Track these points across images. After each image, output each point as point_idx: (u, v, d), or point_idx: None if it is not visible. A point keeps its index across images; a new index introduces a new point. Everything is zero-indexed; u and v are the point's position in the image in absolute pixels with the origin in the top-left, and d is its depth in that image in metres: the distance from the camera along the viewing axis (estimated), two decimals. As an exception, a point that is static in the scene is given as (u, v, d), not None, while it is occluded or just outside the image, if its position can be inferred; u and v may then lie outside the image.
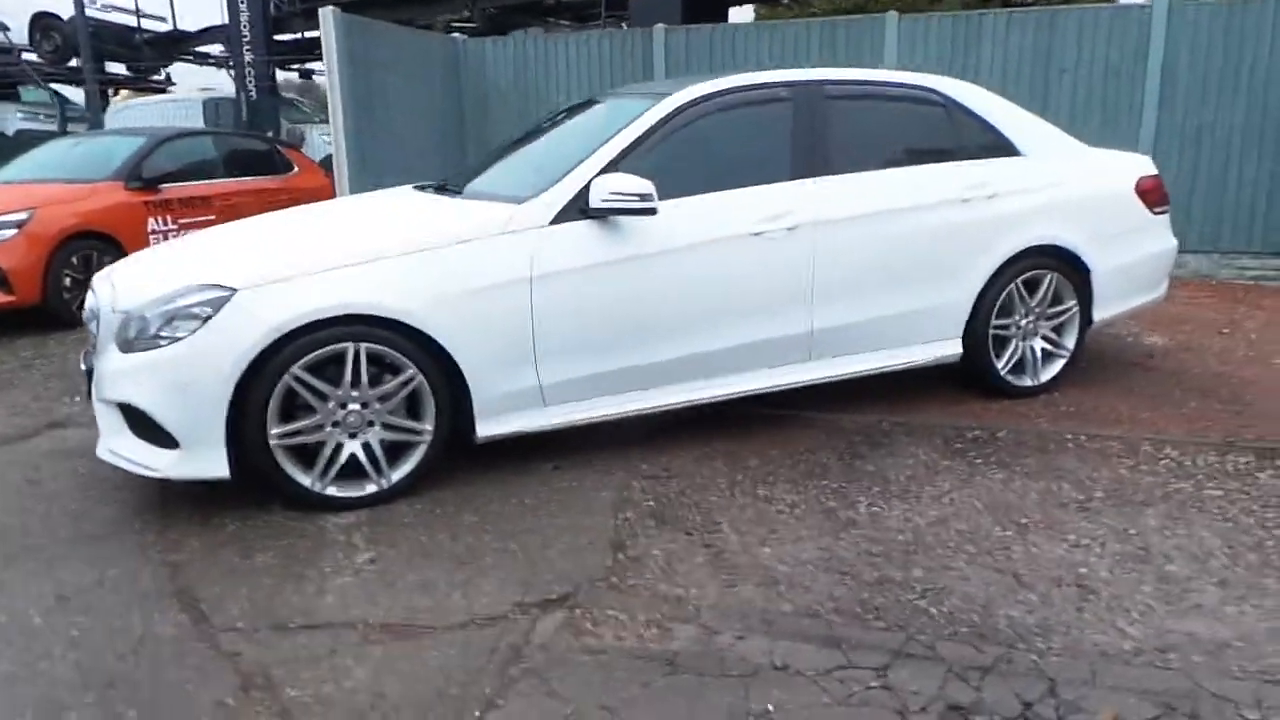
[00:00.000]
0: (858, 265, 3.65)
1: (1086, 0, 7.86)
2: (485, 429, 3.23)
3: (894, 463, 3.42)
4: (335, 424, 3.02)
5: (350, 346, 2.96)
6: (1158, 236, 4.37)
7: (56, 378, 4.87)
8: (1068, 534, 2.81)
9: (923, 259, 3.76)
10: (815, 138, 3.65)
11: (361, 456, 3.06)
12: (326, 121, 8.37)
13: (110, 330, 3.04)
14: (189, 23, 15.50)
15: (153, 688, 2.15)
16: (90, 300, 3.29)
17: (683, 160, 3.52)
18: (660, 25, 8.27)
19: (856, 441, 3.64)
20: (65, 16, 15.26)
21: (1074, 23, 7.23)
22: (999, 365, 4.04)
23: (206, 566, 2.74)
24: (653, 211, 3.19)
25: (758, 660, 2.21)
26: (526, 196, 3.27)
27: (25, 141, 11.77)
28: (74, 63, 15.78)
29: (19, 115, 16.28)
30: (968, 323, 3.92)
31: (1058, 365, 4.18)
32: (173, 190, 7.47)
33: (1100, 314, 4.21)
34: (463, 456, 3.37)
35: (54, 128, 15.10)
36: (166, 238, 7.12)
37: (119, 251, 6.40)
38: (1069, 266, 4.06)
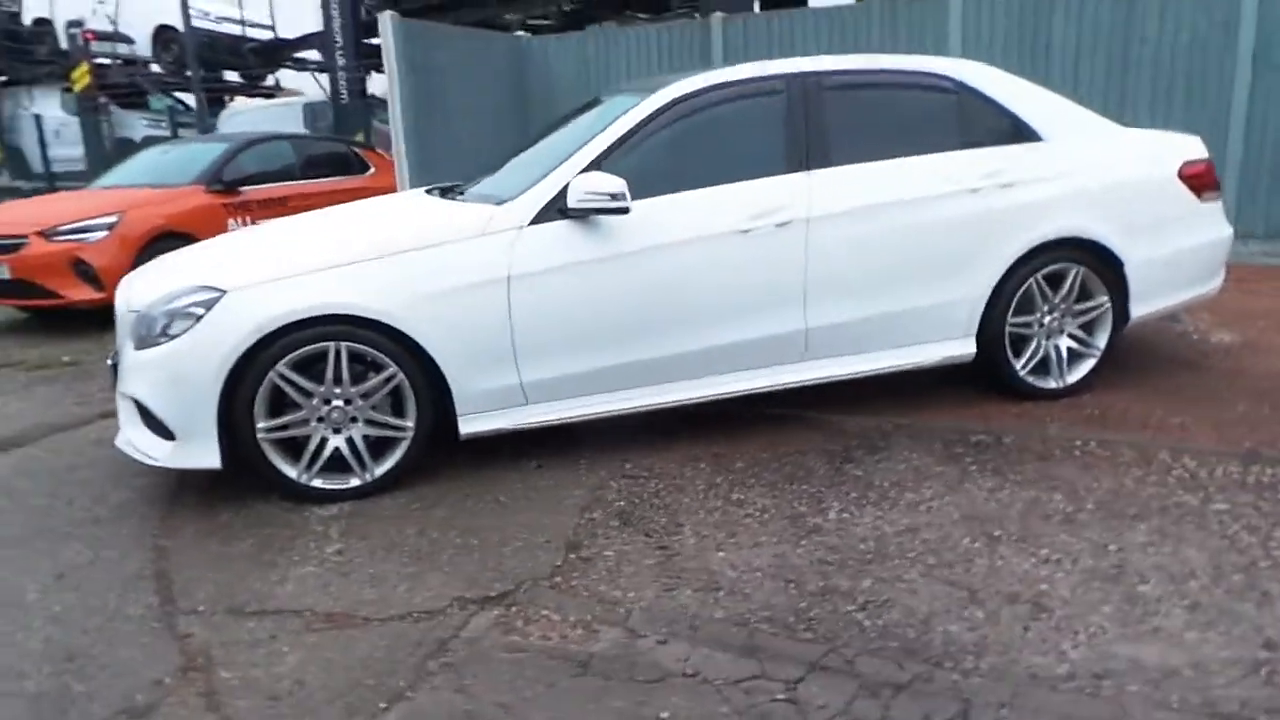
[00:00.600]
0: (855, 261, 3.53)
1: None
2: (467, 426, 3.31)
3: (884, 467, 3.31)
4: (320, 419, 3.16)
5: (332, 345, 3.09)
6: (1207, 225, 4.04)
7: (122, 370, 5.25)
8: (1041, 548, 2.66)
9: (928, 253, 3.61)
10: (811, 131, 3.55)
11: (345, 451, 3.19)
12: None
13: (127, 328, 3.27)
14: (290, 31, 16.30)
15: (104, 664, 2.31)
16: (117, 300, 3.55)
17: (670, 157, 3.49)
18: (718, 14, 8.19)
19: (853, 445, 3.54)
20: (183, 29, 16.34)
21: (1157, -11, 6.74)
22: (1018, 365, 3.83)
23: (190, 551, 2.92)
24: (625, 210, 3.18)
25: (670, 666, 2.20)
26: (509, 198, 3.33)
27: (140, 147, 12.71)
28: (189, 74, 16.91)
29: (144, 122, 17.56)
30: (982, 320, 3.74)
31: (1087, 366, 3.93)
32: (251, 192, 7.91)
33: (1139, 310, 3.94)
34: (457, 453, 3.46)
35: (192, 133, 16.26)
36: (241, 237, 7.52)
37: (197, 251, 6.82)
38: (1098, 260, 3.80)
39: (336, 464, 3.21)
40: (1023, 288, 3.74)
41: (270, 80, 19.47)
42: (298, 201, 8.36)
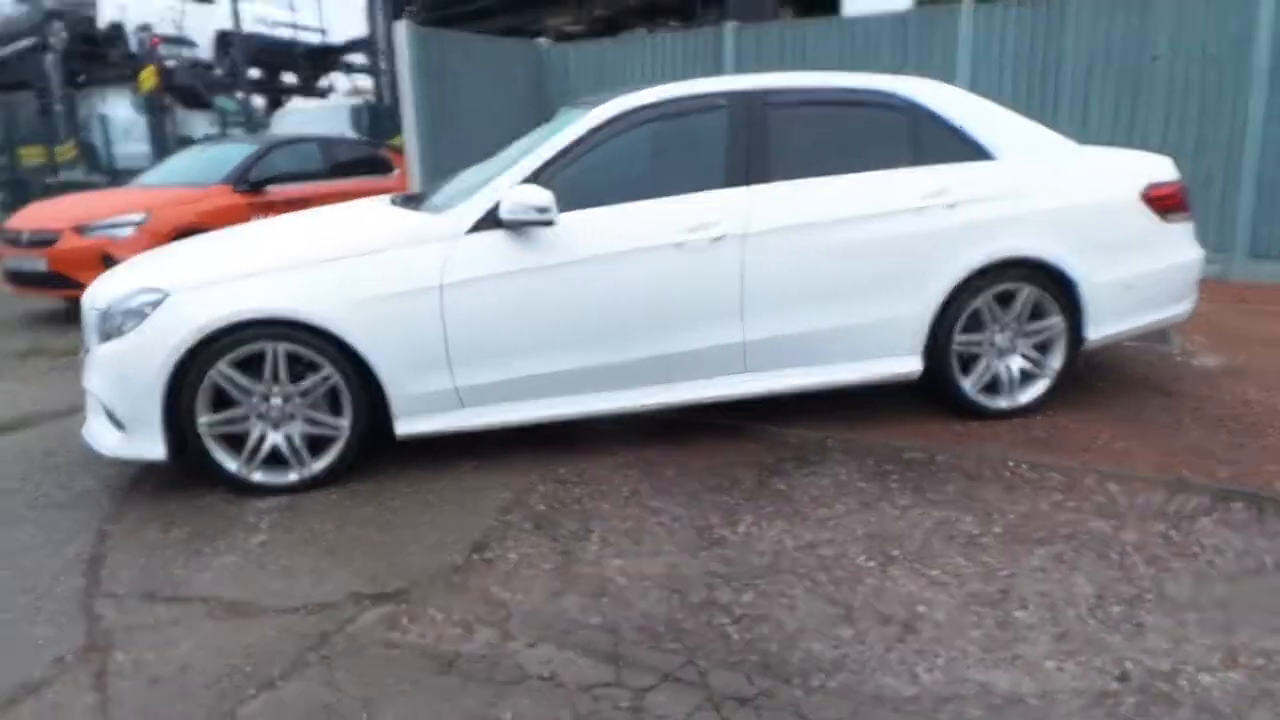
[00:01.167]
0: (793, 277, 3.55)
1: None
2: (403, 427, 3.42)
3: (809, 481, 3.33)
4: (260, 416, 3.31)
5: (269, 346, 3.23)
6: (1172, 248, 3.96)
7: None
8: (932, 569, 2.66)
9: (869, 271, 3.61)
10: (752, 147, 3.58)
11: (284, 447, 3.34)
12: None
13: (91, 325, 3.47)
14: (340, 36, 16.82)
15: (17, 640, 2.48)
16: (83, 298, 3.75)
17: (611, 171, 3.56)
18: (731, 24, 8.22)
19: (787, 457, 3.56)
20: (243, 34, 16.98)
21: (1170, 4, 6.56)
22: (966, 384, 3.80)
23: (130, 538, 3.09)
24: (550, 223, 3.27)
25: (530, 669, 2.27)
26: (449, 208, 3.44)
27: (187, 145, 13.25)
28: (252, 74, 17.56)
29: (205, 121, 18.29)
30: (929, 338, 3.73)
31: (1040, 387, 3.88)
32: (277, 192, 8.20)
33: (1096, 333, 3.87)
34: (399, 451, 3.58)
35: (238, 132, 16.91)
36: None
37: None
38: (1051, 281, 3.76)
39: (276, 459, 3.35)
40: (970, 306, 3.71)
41: (324, 82, 20.09)
42: (321, 201, 8.60)
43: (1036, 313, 3.82)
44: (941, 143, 3.75)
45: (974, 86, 7.31)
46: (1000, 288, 3.72)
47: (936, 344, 3.73)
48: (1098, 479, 3.20)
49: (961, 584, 2.57)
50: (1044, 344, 3.86)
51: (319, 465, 3.38)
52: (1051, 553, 2.72)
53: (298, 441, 3.34)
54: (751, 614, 2.48)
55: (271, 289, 3.23)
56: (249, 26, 15.75)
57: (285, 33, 16.93)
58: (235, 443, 3.33)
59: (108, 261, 7.03)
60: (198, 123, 18.81)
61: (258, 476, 3.34)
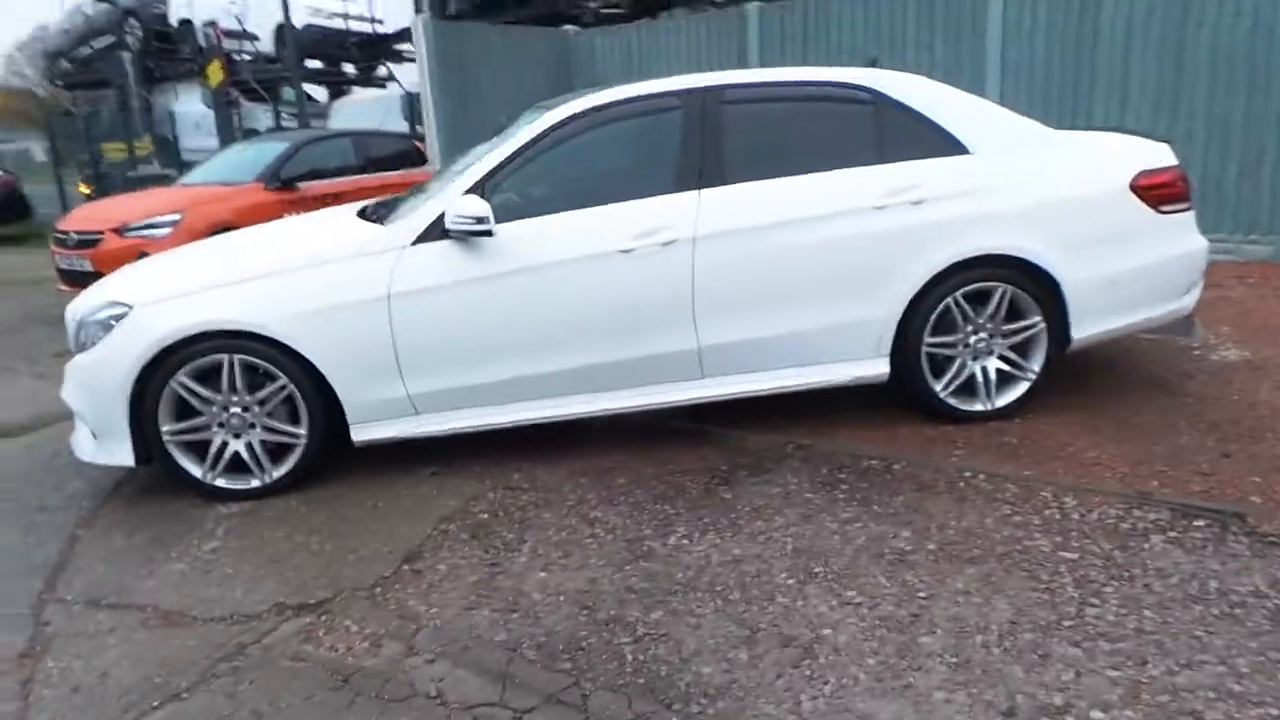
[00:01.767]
0: (748, 281, 3.47)
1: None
2: (359, 434, 3.49)
3: (756, 491, 3.27)
4: (221, 424, 3.42)
5: (226, 358, 3.33)
6: (1168, 240, 3.72)
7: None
8: (850, 589, 2.59)
9: (828, 273, 3.50)
10: (706, 148, 3.50)
11: (244, 454, 3.45)
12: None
13: (71, 336, 3.64)
14: (392, 26, 17.07)
15: (-37, 645, 2.64)
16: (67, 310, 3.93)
17: (560, 176, 3.54)
18: (754, 4, 8.03)
19: (742, 464, 3.51)
20: (300, 26, 17.37)
21: (1214, -31, 6.13)
22: (937, 387, 3.67)
23: (96, 543, 3.25)
24: (489, 234, 3.27)
25: (420, 686, 2.30)
26: (398, 218, 3.47)
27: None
28: (313, 65, 18.00)
29: (267, 114, 18.84)
30: (895, 340, 3.61)
31: (1019, 389, 3.72)
32: (309, 189, 8.41)
33: (1083, 332, 3.68)
34: (363, 456, 3.66)
35: (296, 125, 17.40)
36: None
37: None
38: (1029, 278, 3.59)
39: (238, 466, 3.46)
40: (940, 307, 3.57)
41: (382, 71, 20.43)
42: (354, 196, 8.74)
43: (1015, 312, 3.65)
44: (912, 137, 3.60)
45: (1004, 60, 7.02)
46: (972, 288, 3.57)
47: (905, 346, 3.61)
48: (1054, 492, 3.06)
49: (875, 606, 2.50)
50: (1024, 345, 3.70)
51: (279, 472, 3.48)
52: (980, 573, 2.61)
53: (258, 449, 3.45)
54: (654, 633, 2.46)
55: (223, 302, 3.32)
56: (305, 18, 16.08)
57: (339, 23, 17.29)
58: (200, 450, 3.45)
59: (146, 261, 7.37)
60: (263, 116, 19.43)
61: (221, 482, 3.46)
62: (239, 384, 3.36)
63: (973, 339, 3.66)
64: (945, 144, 3.60)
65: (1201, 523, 2.79)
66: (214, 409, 3.39)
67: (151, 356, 3.29)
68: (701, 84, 3.59)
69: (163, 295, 3.37)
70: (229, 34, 18.40)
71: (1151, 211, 3.65)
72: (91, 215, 8.00)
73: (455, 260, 3.36)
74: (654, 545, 2.94)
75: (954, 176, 3.54)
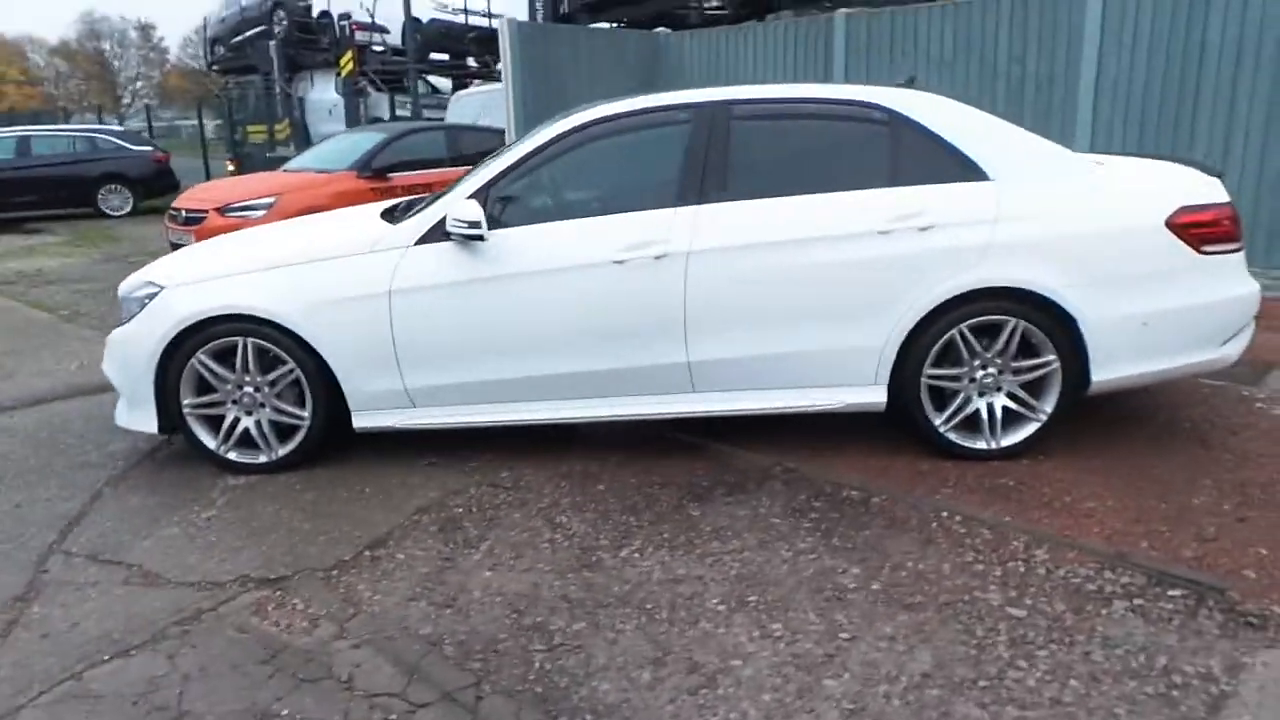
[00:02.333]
0: (743, 298, 3.43)
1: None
2: (360, 421, 3.66)
3: (725, 511, 3.24)
4: (234, 402, 3.66)
5: (240, 340, 3.56)
6: (1211, 282, 3.44)
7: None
8: (776, 622, 2.54)
9: (826, 296, 3.42)
10: (710, 163, 3.48)
11: (254, 431, 3.68)
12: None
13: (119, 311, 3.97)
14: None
15: (-29, 585, 2.94)
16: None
17: (561, 186, 3.60)
18: (843, 11, 7.85)
19: (725, 482, 3.48)
20: (425, 20, 18.18)
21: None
22: (937, 421, 3.53)
23: (115, 501, 3.53)
24: (480, 238, 3.36)
25: (336, 670, 2.42)
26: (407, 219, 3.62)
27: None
28: (434, 58, 18.76)
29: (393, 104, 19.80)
30: (895, 369, 3.49)
31: (1027, 430, 3.53)
32: (399, 178, 8.80)
33: (1104, 375, 3.46)
34: (371, 441, 3.83)
35: (425, 114, 18.23)
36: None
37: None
38: (1044, 314, 3.40)
39: (249, 441, 3.70)
40: (944, 338, 3.44)
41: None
42: (441, 186, 9.20)
43: (1029, 349, 3.47)
44: (928, 160, 3.47)
45: (1100, 74, 6.64)
46: (980, 320, 3.42)
47: (904, 376, 3.49)
48: (1028, 542, 2.90)
49: (794, 642, 2.45)
50: (1036, 384, 3.51)
51: (284, 450, 3.69)
52: (914, 620, 2.52)
53: (265, 428, 3.67)
54: (570, 644, 2.49)
55: (240, 288, 3.55)
56: (431, 12, 16.80)
57: (460, 18, 17.96)
58: (215, 423, 3.70)
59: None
60: (387, 105, 20.37)
61: (233, 455, 3.70)
62: (251, 366, 3.59)
63: (979, 373, 3.50)
64: (963, 169, 3.45)
65: (1176, 593, 2.59)
66: (229, 387, 3.63)
67: (175, 335, 3.55)
68: (713, 98, 3.57)
69: (189, 279, 3.63)
70: (361, 26, 19.39)
71: (1191, 251, 3.39)
72: (200, 195, 8.63)
73: (453, 262, 3.48)
74: (604, 556, 2.97)
75: (966, 203, 3.39)
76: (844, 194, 3.43)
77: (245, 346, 3.57)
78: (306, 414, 3.64)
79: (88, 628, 2.66)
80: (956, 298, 3.38)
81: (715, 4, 13.55)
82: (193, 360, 3.58)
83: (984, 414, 3.53)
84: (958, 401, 3.53)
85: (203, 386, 3.65)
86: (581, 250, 3.44)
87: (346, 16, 19.46)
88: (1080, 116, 6.81)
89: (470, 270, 3.46)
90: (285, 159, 16.28)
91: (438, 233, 3.49)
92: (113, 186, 14.69)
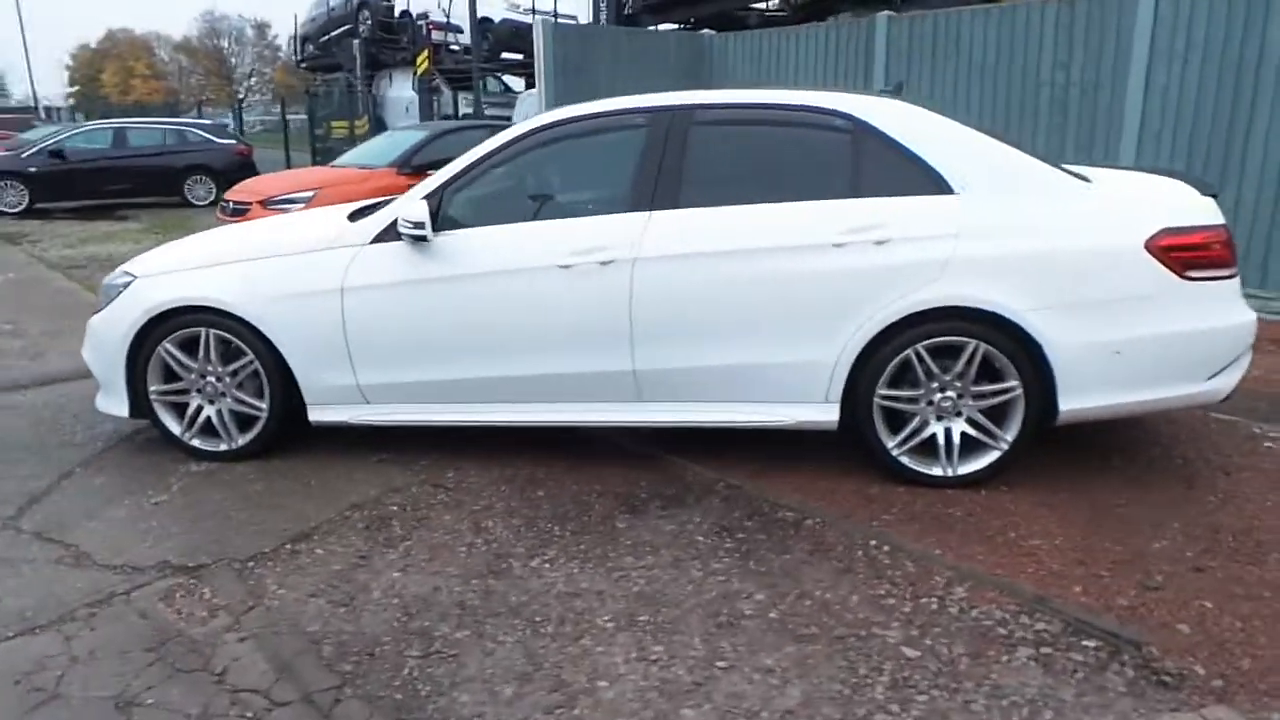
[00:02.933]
0: (691, 308, 3.34)
1: None
2: (315, 415, 3.72)
3: (653, 526, 3.17)
4: (198, 390, 3.76)
5: (202, 330, 3.66)
6: (1196, 311, 3.19)
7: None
8: (659, 644, 2.46)
9: (776, 309, 3.30)
10: (664, 169, 3.40)
11: (215, 420, 3.77)
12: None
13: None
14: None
15: (-78, 553, 3.09)
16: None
17: (515, 189, 3.58)
18: (884, 14, 7.62)
19: (664, 495, 3.40)
20: (496, 19, 18.48)
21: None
22: (890, 443, 3.37)
23: (80, 480, 3.67)
24: (424, 239, 3.36)
25: (213, 663, 2.44)
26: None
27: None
28: (505, 57, 19.05)
29: (462, 101, 20.21)
30: (846, 388, 3.35)
31: (988, 458, 3.34)
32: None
33: (1073, 405, 3.24)
34: (341, 436, 3.89)
35: (495, 111, 18.57)
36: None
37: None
38: (1007, 338, 3.21)
39: (211, 429, 3.79)
40: (899, 357, 3.28)
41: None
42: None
43: (992, 374, 3.28)
44: (891, 171, 3.31)
45: (1149, 83, 6.27)
46: (937, 340, 3.25)
47: (856, 395, 3.34)
48: (950, 579, 2.73)
49: (668, 666, 2.36)
50: (998, 410, 3.32)
51: (243, 439, 3.77)
52: (800, 653, 2.40)
53: (226, 417, 3.76)
54: (446, 652, 2.46)
55: (204, 281, 3.64)
56: (504, 13, 17.06)
57: (528, 18, 18.19)
58: (181, 410, 3.81)
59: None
60: (460, 103, 20.81)
61: (196, 442, 3.81)
62: (213, 356, 3.68)
63: (937, 397, 3.33)
64: (927, 181, 3.28)
65: (1090, 644, 2.40)
66: (192, 376, 3.74)
67: (143, 323, 3.67)
68: (671, 103, 3.50)
69: (160, 270, 3.75)
70: (437, 26, 19.83)
71: (1173, 276, 3.15)
72: (249, 187, 8.95)
73: (405, 261, 3.49)
74: (515, 564, 2.93)
75: (927, 217, 3.22)
76: (800, 204, 3.31)
77: (207, 337, 3.66)
78: (265, 405, 3.71)
79: (7, 604, 2.76)
80: (912, 316, 3.22)
81: (776, 5, 13.35)
82: (159, 349, 3.69)
83: (941, 439, 3.36)
84: (913, 424, 3.36)
85: (169, 374, 3.77)
86: (529, 254, 3.41)
87: (424, 16, 19.94)
88: (1127, 125, 6.43)
89: (420, 270, 3.47)
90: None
91: (391, 233, 3.51)
92: (198, 177, 15.37)
